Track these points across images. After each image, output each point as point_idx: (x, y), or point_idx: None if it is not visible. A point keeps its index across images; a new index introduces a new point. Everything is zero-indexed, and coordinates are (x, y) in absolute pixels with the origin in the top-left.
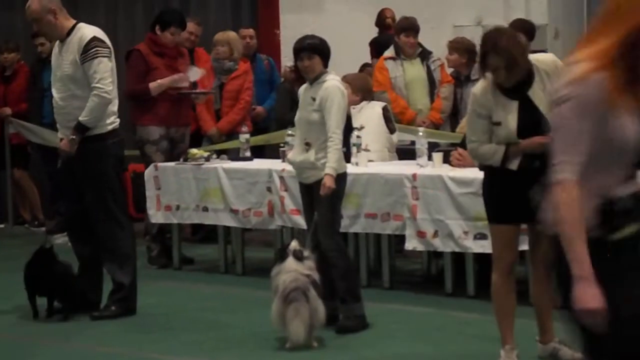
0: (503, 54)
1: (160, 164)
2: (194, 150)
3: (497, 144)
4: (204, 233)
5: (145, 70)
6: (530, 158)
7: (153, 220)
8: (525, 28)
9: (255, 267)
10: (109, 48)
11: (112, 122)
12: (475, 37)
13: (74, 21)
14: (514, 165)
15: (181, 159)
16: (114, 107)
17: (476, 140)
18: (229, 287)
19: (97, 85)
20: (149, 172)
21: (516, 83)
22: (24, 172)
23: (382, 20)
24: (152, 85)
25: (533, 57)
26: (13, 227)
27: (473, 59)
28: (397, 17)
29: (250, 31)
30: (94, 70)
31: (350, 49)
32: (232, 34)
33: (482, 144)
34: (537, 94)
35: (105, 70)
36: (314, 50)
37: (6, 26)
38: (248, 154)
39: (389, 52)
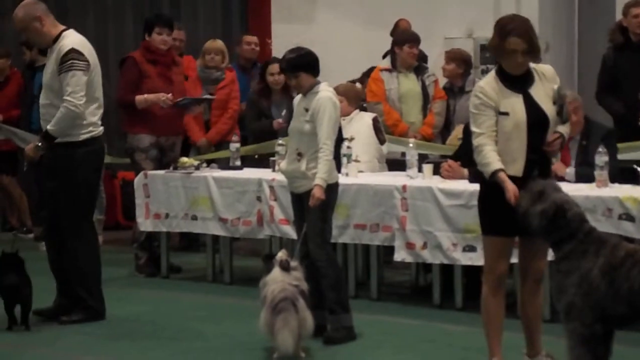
0: (524, 36)
1: (149, 172)
2: (184, 159)
3: (503, 138)
4: (188, 241)
5: (137, 78)
6: (529, 166)
7: (142, 228)
8: None
9: (243, 277)
10: (86, 61)
11: (88, 131)
12: (466, 49)
13: (62, 27)
14: (514, 170)
15: (171, 167)
16: (93, 117)
17: (482, 133)
18: (216, 296)
19: (68, 98)
20: (138, 180)
21: (520, 76)
22: (12, 178)
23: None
24: (138, 98)
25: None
26: (0, 233)
27: (468, 70)
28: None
29: (254, 38)
30: (67, 82)
31: (340, 59)
32: (222, 43)
33: (488, 145)
34: (538, 93)
35: (77, 84)
36: (295, 68)
37: None
38: (238, 163)
39: (385, 63)
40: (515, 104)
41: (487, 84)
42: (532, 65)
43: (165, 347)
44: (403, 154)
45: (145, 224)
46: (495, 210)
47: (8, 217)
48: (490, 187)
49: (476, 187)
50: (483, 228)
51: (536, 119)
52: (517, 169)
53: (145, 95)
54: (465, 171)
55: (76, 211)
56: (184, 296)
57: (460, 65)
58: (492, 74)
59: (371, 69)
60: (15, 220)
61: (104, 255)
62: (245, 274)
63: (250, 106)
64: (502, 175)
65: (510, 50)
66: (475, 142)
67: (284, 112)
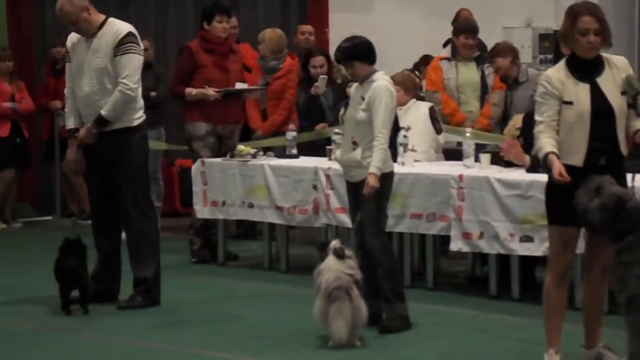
0: (595, 15)
1: (207, 160)
2: (241, 147)
3: (566, 127)
4: (244, 229)
5: (191, 69)
6: (597, 155)
7: (199, 215)
8: None
9: (299, 265)
10: (140, 46)
11: (140, 116)
12: (525, 39)
13: (104, 16)
14: (578, 161)
15: (228, 155)
16: (142, 102)
17: (542, 122)
18: (272, 284)
19: (123, 80)
20: (196, 168)
21: (590, 63)
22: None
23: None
24: (188, 91)
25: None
26: (61, 219)
27: (515, 60)
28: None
29: (309, 28)
30: (124, 65)
31: (399, 48)
32: (270, 32)
33: (546, 133)
34: (606, 83)
35: (134, 67)
36: (350, 57)
37: (58, 21)
38: (294, 151)
39: (445, 52)
40: (580, 93)
41: (554, 72)
42: (604, 54)
43: (221, 334)
44: (459, 144)
45: (202, 212)
46: (561, 200)
47: (68, 204)
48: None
49: (534, 177)
50: (549, 218)
51: (601, 108)
52: (579, 159)
53: (195, 90)
54: (527, 157)
55: (140, 193)
56: (240, 284)
57: (506, 55)
58: (562, 63)
59: (423, 59)
60: (75, 206)
61: (162, 243)
62: (301, 262)
63: (300, 94)
64: (552, 157)
65: (582, 30)
66: (536, 129)
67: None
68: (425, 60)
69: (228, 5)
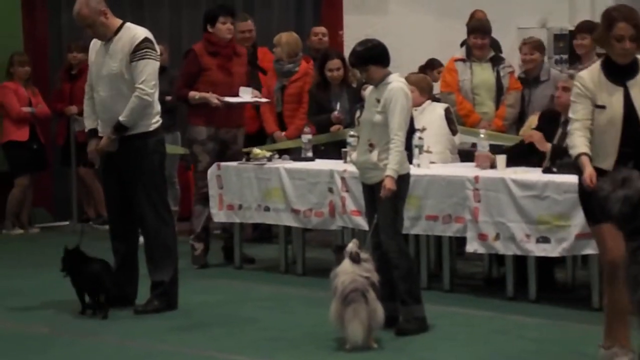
0: (630, 22)
1: (223, 164)
2: (257, 150)
3: (597, 131)
4: (260, 232)
5: (196, 72)
6: (625, 159)
7: (215, 219)
8: (592, 30)
9: (316, 268)
10: (157, 51)
11: (157, 121)
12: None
13: (120, 21)
14: (607, 165)
15: (243, 159)
16: (158, 106)
17: (577, 120)
18: (288, 287)
19: (140, 86)
20: (211, 172)
21: (626, 67)
22: (89, 169)
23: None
24: (191, 94)
25: None
26: (77, 224)
27: (542, 58)
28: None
29: (322, 29)
30: (140, 70)
31: (413, 50)
32: (286, 35)
33: (579, 131)
34: (635, 87)
35: (150, 73)
36: (365, 61)
37: (73, 25)
38: (310, 154)
39: (460, 53)
40: (613, 98)
41: (588, 74)
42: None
43: (237, 336)
44: (474, 145)
45: (218, 215)
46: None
47: (85, 208)
48: None
49: (550, 177)
50: (588, 219)
51: (629, 113)
52: (609, 163)
53: (199, 94)
54: (549, 144)
55: (157, 196)
56: (256, 287)
57: (542, 53)
58: (597, 65)
59: (430, 62)
60: (92, 211)
61: (180, 246)
62: (317, 264)
63: (310, 100)
64: (584, 158)
65: (618, 37)
66: (571, 127)
67: (338, 105)
68: (432, 63)
69: (232, 6)
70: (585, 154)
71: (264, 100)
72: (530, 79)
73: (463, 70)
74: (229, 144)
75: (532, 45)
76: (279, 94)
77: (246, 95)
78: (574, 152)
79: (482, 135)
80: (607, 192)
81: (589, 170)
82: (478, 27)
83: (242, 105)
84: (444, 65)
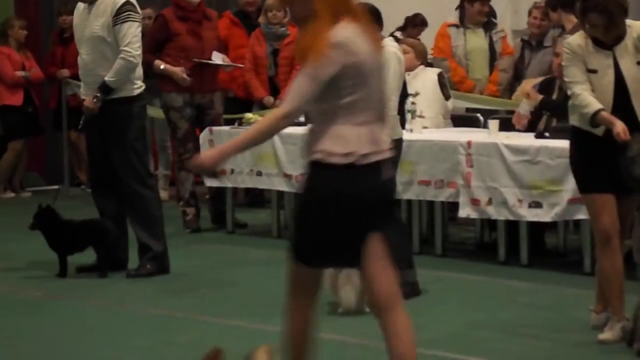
0: (604, 13)
1: (215, 128)
2: (249, 115)
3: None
4: (252, 197)
5: (164, 37)
6: None
7: (207, 184)
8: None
9: None
10: (139, 13)
11: (139, 86)
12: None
13: None
14: (599, 131)
15: (236, 123)
16: (141, 70)
17: (577, 82)
18: (281, 252)
19: (125, 48)
20: (203, 136)
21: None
22: (80, 134)
23: None
24: (157, 62)
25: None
26: (69, 188)
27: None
28: None
29: None
30: (124, 33)
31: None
32: None
33: (585, 91)
34: (621, 53)
35: (134, 35)
36: None
37: None
38: (302, 119)
39: (453, 19)
40: (603, 62)
41: (574, 40)
42: (628, 22)
43: (230, 301)
44: (467, 110)
45: (210, 180)
46: (588, 167)
47: (77, 173)
48: (581, 143)
49: (542, 142)
50: (579, 187)
51: (619, 78)
52: (600, 129)
53: (163, 64)
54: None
55: (141, 162)
56: (249, 251)
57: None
58: (582, 32)
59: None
60: (84, 175)
61: (170, 211)
62: None
63: None
64: (605, 114)
65: (590, 25)
66: (571, 90)
67: None
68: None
69: None
70: (602, 109)
71: (238, 65)
72: (533, 43)
73: (456, 35)
74: (205, 109)
75: (544, 11)
76: (271, 58)
77: (218, 60)
78: (589, 110)
79: (524, 100)
80: (635, 153)
81: (619, 124)
82: None
83: (216, 69)
84: (426, 24)
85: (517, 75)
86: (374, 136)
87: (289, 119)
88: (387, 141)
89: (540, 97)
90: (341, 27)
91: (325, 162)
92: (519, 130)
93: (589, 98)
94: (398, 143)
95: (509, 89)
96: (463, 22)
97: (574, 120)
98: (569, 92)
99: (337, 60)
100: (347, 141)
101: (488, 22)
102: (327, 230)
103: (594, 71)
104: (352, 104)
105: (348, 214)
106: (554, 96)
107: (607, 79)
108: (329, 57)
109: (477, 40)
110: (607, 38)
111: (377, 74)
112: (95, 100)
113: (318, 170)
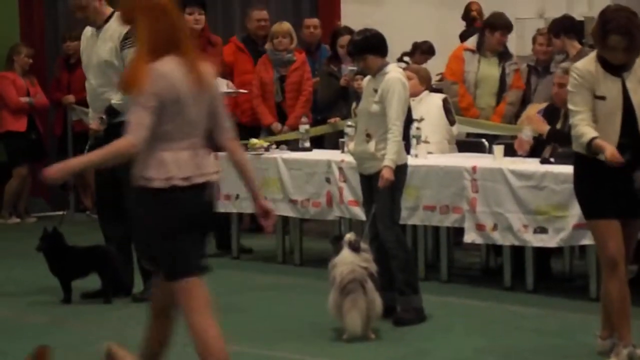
0: (625, 35)
1: (220, 153)
2: (254, 140)
3: (597, 121)
4: (257, 222)
5: None
6: (622, 149)
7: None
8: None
9: (313, 258)
10: None
11: None
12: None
13: (111, 9)
14: (603, 155)
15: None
16: None
17: (579, 111)
18: (286, 277)
19: None
20: None
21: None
22: None
23: (467, 14)
24: None
25: None
26: (74, 214)
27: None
28: (484, 11)
29: (315, 21)
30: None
31: (410, 40)
32: (289, 25)
33: (584, 121)
34: (631, 79)
35: None
36: (362, 51)
37: (69, 15)
38: (307, 144)
39: (470, 43)
40: (612, 88)
41: (584, 65)
42: None
43: (234, 326)
44: (469, 135)
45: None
46: (592, 193)
47: (81, 198)
48: (585, 169)
49: (548, 168)
50: (584, 213)
51: (627, 104)
52: (602, 155)
53: None
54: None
55: None
56: (254, 277)
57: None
58: (592, 56)
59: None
60: (89, 201)
61: None
62: (314, 255)
63: (322, 76)
64: (599, 141)
65: (610, 47)
66: (573, 119)
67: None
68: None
69: None
70: (597, 137)
71: (242, 91)
72: (540, 69)
73: (470, 60)
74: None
75: (548, 37)
76: (278, 84)
77: (222, 86)
78: (584, 140)
79: (527, 126)
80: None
81: (610, 148)
82: (506, 24)
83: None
84: (434, 52)
85: (523, 101)
86: (196, 161)
87: (135, 149)
88: (213, 166)
89: (547, 127)
90: (164, 61)
91: (149, 187)
92: (521, 156)
93: (584, 128)
94: (403, 168)
95: (515, 116)
96: (480, 49)
97: (577, 147)
98: (571, 120)
99: (156, 92)
100: (167, 166)
101: (504, 53)
102: (160, 247)
103: (602, 97)
104: (170, 132)
105: (172, 231)
106: (559, 124)
107: (616, 106)
108: (149, 89)
109: (490, 69)
110: (627, 60)
111: (198, 106)
112: (100, 122)
113: (143, 194)
